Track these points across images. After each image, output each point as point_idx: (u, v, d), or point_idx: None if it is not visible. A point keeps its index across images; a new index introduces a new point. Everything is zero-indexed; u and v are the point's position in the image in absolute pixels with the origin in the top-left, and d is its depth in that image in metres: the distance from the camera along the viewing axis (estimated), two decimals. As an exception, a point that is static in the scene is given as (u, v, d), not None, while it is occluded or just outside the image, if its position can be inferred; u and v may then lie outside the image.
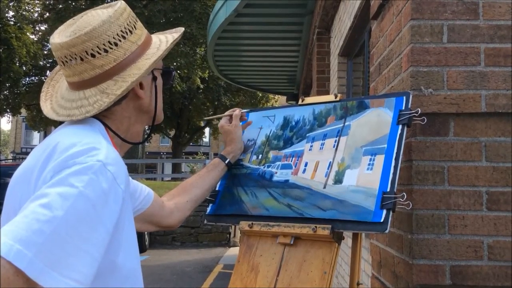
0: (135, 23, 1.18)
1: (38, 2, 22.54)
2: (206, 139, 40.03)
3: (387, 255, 1.92)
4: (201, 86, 21.91)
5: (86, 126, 1.11)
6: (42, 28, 22.65)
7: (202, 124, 28.85)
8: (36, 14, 22.80)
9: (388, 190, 1.44)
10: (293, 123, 1.85)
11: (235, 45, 8.10)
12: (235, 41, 7.84)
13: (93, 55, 1.10)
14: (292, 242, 1.57)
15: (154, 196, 1.50)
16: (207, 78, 22.12)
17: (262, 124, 1.93)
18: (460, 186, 1.65)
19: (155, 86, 1.23)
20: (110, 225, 0.96)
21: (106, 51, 1.11)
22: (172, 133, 27.97)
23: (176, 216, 1.57)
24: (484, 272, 1.61)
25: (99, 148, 1.00)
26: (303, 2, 6.10)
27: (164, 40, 1.23)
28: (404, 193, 1.44)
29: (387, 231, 1.40)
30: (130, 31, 1.15)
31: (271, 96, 23.24)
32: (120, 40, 1.13)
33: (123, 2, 1.19)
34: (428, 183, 1.65)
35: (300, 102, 1.89)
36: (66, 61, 1.12)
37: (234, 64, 9.38)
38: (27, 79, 22.71)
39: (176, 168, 26.48)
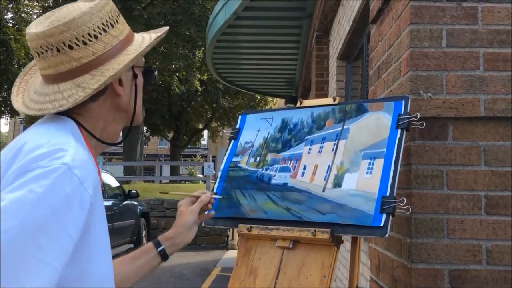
0: (117, 17, 1.13)
1: (36, 4, 22.55)
2: (204, 141, 40.04)
3: (386, 259, 1.91)
4: (200, 89, 21.91)
5: (57, 125, 1.05)
6: (41, 30, 22.62)
7: (201, 126, 28.86)
8: (35, 16, 22.79)
9: (388, 194, 1.44)
10: (292, 126, 1.84)
11: (234, 48, 8.11)
12: (234, 44, 7.85)
13: (70, 47, 1.04)
14: (291, 246, 1.57)
15: None
16: (206, 81, 22.14)
17: (260, 126, 1.93)
18: (459, 190, 1.65)
19: (135, 84, 1.17)
20: (75, 233, 0.90)
21: (85, 43, 1.05)
22: (170, 135, 27.97)
23: None
24: (483, 276, 1.61)
25: (66, 150, 0.94)
26: (302, 6, 6.11)
27: (147, 38, 1.18)
28: (404, 197, 1.44)
29: (387, 235, 1.40)
30: (112, 25, 1.10)
31: (269, 99, 23.25)
32: (100, 33, 1.07)
33: None
34: (427, 187, 1.65)
35: (298, 104, 1.89)
36: (42, 52, 1.06)
37: (233, 67, 9.39)
38: (26, 80, 22.62)
39: (174, 170, 26.48)
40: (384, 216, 1.42)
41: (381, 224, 1.41)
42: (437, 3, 1.70)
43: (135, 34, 1.19)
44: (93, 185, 0.96)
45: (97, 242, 0.99)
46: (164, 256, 1.37)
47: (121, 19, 1.14)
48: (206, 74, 20.56)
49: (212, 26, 7.12)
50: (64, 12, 1.07)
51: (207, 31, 7.85)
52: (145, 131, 25.27)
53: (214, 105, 24.58)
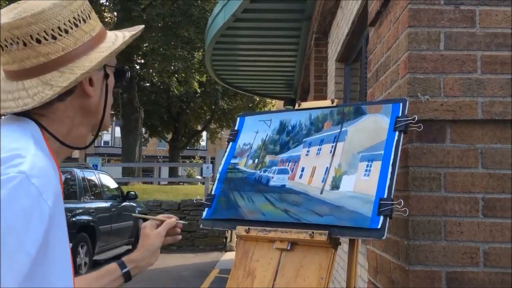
0: (89, 12, 1.05)
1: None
2: (203, 143, 40.03)
3: (384, 260, 1.92)
4: (199, 90, 21.92)
5: (16, 127, 0.97)
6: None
7: (200, 128, 28.86)
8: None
9: (385, 196, 1.45)
10: (290, 128, 1.85)
11: (233, 50, 8.12)
12: (233, 46, 7.86)
13: (38, 41, 0.96)
14: (289, 248, 1.58)
15: None
16: (204, 82, 22.15)
17: (258, 128, 1.93)
18: (457, 192, 1.65)
19: (106, 85, 1.09)
20: (33, 249, 0.83)
21: (54, 37, 0.97)
22: (169, 136, 27.97)
23: None
24: (480, 278, 1.61)
25: (24, 156, 0.87)
26: (301, 8, 6.12)
27: (120, 36, 1.10)
28: (401, 200, 1.44)
29: (384, 237, 1.40)
30: (84, 20, 1.02)
31: (268, 100, 23.27)
32: (71, 28, 0.99)
33: None
34: (424, 189, 1.66)
35: (296, 106, 1.89)
36: (6, 46, 0.97)
37: (232, 69, 9.40)
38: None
39: (173, 172, 26.47)
40: (381, 218, 1.42)
41: (379, 226, 1.41)
42: (435, 6, 1.71)
43: (108, 31, 1.11)
44: (53, 195, 0.89)
45: (55, 257, 0.91)
46: (127, 277, 1.34)
47: (94, 14, 1.07)
48: (205, 76, 20.57)
49: (211, 27, 7.13)
50: (33, 3, 0.98)
51: (206, 33, 7.86)
52: (143, 132, 25.25)
53: (213, 107, 24.61)
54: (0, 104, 0.98)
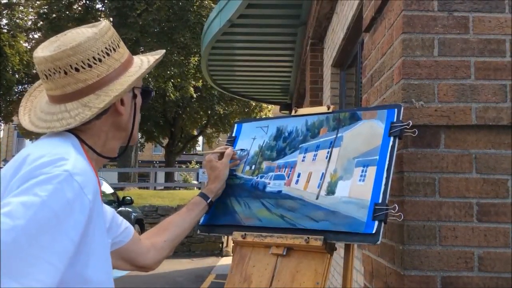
0: (118, 42, 1.21)
1: (31, 10, 22.53)
2: (199, 148, 39.99)
3: (379, 265, 1.93)
4: (195, 95, 21.92)
5: (58, 138, 1.12)
6: (36, 36, 22.63)
7: (196, 133, 28.83)
8: (29, 22, 22.77)
9: (380, 201, 1.46)
10: (286, 134, 1.86)
11: (229, 55, 8.13)
12: (229, 51, 7.88)
13: (77, 69, 1.12)
14: (285, 253, 1.58)
15: (134, 231, 1.47)
16: (200, 87, 22.15)
17: (255, 135, 1.94)
18: (451, 197, 1.66)
19: (135, 104, 1.26)
20: (75, 235, 0.96)
21: (90, 66, 1.13)
22: (165, 141, 27.92)
23: (152, 256, 1.50)
24: (475, 283, 1.62)
25: (67, 159, 1.01)
26: (297, 14, 6.15)
27: (145, 60, 1.27)
28: (396, 205, 1.45)
29: (379, 242, 1.41)
30: (114, 49, 1.18)
31: (264, 105, 23.28)
32: (104, 57, 1.15)
33: (107, 22, 1.23)
34: (419, 195, 1.67)
35: (293, 113, 1.90)
36: (50, 75, 1.13)
37: (228, 74, 9.41)
38: (20, 87, 22.62)
39: (169, 177, 26.42)
40: (376, 223, 1.43)
41: (374, 231, 1.42)
42: (429, 12, 1.73)
43: (134, 57, 1.28)
44: (93, 191, 1.02)
45: (94, 248, 1.04)
46: (211, 205, 1.69)
47: (122, 43, 1.23)
48: (201, 81, 20.58)
49: (207, 33, 7.15)
50: (69, 37, 1.15)
51: (202, 38, 7.88)
52: (139, 137, 25.23)
53: (209, 112, 24.58)
54: (47, 124, 1.14)
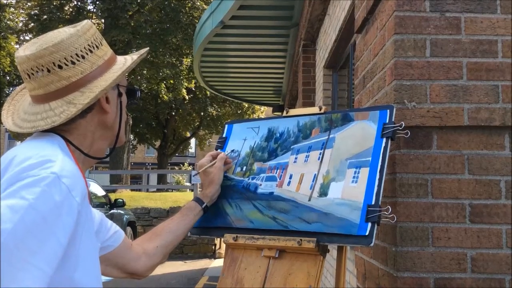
0: (101, 40, 1.22)
1: (22, 11, 22.39)
2: (192, 150, 39.91)
3: (372, 267, 1.92)
4: (187, 97, 21.87)
5: (45, 140, 1.11)
6: (27, 38, 22.48)
7: (188, 134, 28.76)
8: (20, 24, 22.63)
9: (373, 203, 1.45)
10: (278, 135, 1.85)
11: (221, 56, 8.12)
12: (221, 53, 7.86)
13: (60, 67, 1.12)
14: (277, 255, 1.57)
15: (124, 236, 1.44)
16: (193, 89, 22.10)
17: (246, 136, 1.93)
18: (444, 198, 1.66)
19: (120, 102, 1.26)
20: (64, 239, 0.95)
21: (73, 63, 1.13)
22: (157, 143, 27.83)
23: (143, 262, 1.46)
24: (468, 284, 1.62)
25: (54, 161, 1.00)
26: (289, 15, 6.15)
27: (129, 58, 1.27)
28: (389, 206, 1.44)
29: (372, 244, 1.40)
30: (97, 47, 1.19)
31: (257, 107, 23.29)
32: (87, 54, 1.15)
33: (89, 21, 1.23)
34: (412, 196, 1.66)
35: (284, 114, 1.89)
36: (32, 73, 1.13)
37: (220, 75, 9.40)
38: (11, 89, 22.47)
39: (161, 179, 26.32)
40: (369, 225, 1.42)
41: (366, 233, 1.41)
42: (421, 13, 1.72)
43: (118, 56, 1.28)
44: (81, 194, 1.01)
45: (83, 251, 1.03)
46: (205, 210, 1.65)
47: (104, 41, 1.24)
48: (193, 82, 20.54)
49: (199, 34, 7.13)
50: (51, 36, 1.15)
51: (194, 40, 7.86)
52: (132, 139, 25.12)
53: (202, 113, 24.54)
54: (31, 124, 1.13)
